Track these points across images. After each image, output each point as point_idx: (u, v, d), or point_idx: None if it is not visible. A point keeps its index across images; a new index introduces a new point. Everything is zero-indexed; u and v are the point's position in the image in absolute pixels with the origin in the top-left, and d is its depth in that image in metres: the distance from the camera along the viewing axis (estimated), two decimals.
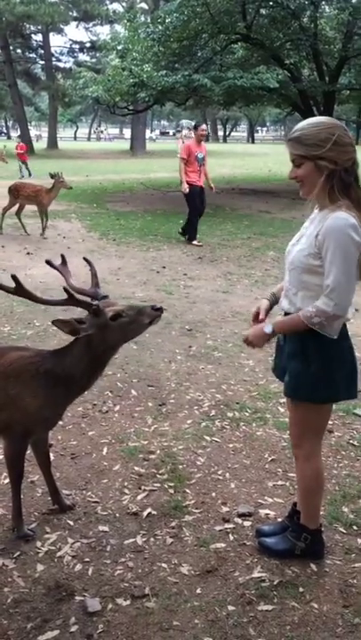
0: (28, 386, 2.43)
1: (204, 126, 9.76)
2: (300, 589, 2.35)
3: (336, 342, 2.19)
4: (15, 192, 10.08)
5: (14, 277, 2.36)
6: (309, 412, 2.30)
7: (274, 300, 2.50)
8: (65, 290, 2.37)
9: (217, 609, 2.25)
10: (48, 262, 2.57)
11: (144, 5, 35.56)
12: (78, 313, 2.43)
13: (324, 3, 15.44)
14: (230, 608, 2.25)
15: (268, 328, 2.23)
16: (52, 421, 2.64)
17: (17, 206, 10.27)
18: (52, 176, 9.89)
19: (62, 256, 2.63)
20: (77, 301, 2.38)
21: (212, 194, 10.37)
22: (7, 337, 5.16)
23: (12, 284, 2.40)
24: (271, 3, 14.37)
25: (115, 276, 7.48)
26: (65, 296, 2.36)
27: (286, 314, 2.30)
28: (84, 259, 2.70)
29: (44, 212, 10.10)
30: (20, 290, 2.38)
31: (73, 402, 2.69)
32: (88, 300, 2.47)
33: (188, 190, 9.23)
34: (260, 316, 2.45)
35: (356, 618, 2.22)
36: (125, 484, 3.08)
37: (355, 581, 2.40)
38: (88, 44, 39.43)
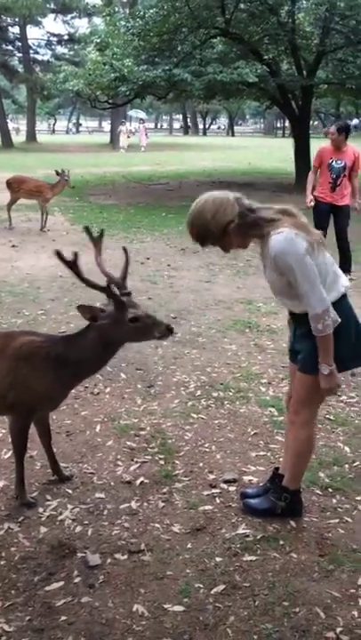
0: (38, 368, 2.64)
1: (332, 128, 7.08)
2: (281, 542, 2.61)
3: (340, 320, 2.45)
4: (15, 186, 10.06)
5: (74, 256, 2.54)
6: (315, 384, 2.52)
7: None
8: (107, 282, 2.62)
9: (206, 560, 2.50)
10: (58, 254, 2.52)
11: None
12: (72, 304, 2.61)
13: None
14: (218, 559, 2.50)
15: (324, 370, 2.42)
16: (58, 401, 2.87)
17: (10, 199, 10.25)
18: (58, 173, 9.93)
19: (75, 253, 2.60)
20: (111, 293, 2.61)
21: (195, 185, 10.37)
22: None
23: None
24: None
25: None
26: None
27: (291, 313, 2.62)
28: (123, 248, 2.85)
29: (44, 208, 10.09)
30: (74, 266, 2.55)
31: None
32: (117, 292, 2.63)
33: (312, 204, 7.14)
34: None
35: (330, 565, 2.48)
36: (119, 457, 3.30)
37: (330, 535, 2.67)
38: (66, 37, 39.15)
